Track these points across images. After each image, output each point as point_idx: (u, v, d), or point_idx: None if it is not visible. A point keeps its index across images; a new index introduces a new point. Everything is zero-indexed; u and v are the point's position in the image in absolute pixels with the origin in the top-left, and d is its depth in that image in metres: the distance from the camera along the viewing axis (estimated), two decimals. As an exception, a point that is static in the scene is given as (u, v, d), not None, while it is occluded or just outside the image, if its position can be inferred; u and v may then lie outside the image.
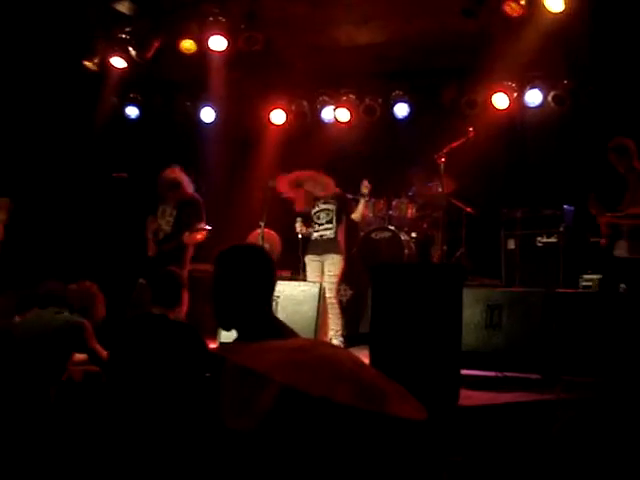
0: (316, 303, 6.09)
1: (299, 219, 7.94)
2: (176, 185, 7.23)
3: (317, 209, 7.90)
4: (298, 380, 1.51)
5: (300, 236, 8.10)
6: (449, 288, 4.76)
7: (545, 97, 9.26)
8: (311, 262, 7.77)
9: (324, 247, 7.70)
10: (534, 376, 5.66)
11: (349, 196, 8.44)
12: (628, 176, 6.71)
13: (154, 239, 7.25)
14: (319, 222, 7.83)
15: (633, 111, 8.48)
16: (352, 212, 7.89)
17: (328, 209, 7.83)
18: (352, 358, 1.73)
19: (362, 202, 7.83)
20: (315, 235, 7.82)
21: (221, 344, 2.43)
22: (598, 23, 7.72)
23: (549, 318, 5.87)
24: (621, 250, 6.56)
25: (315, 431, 1.63)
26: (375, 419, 1.67)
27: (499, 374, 5.74)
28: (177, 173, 7.31)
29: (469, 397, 4.89)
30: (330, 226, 7.75)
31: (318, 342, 1.82)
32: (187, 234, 7.13)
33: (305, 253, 7.90)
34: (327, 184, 7.80)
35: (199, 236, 7.25)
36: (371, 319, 4.92)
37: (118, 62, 8.89)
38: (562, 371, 5.67)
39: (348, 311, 8.10)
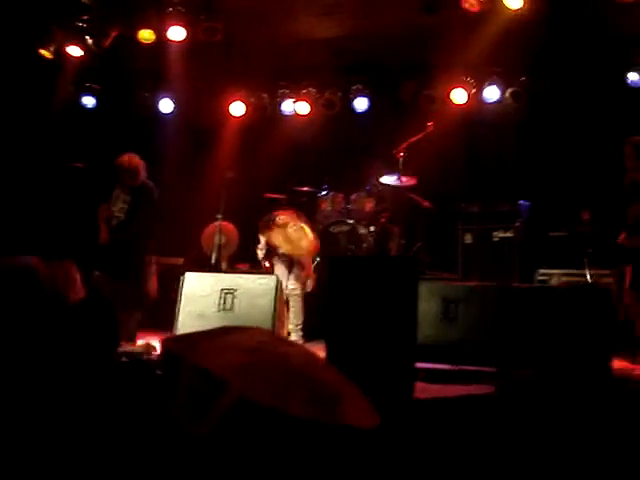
0: (273, 296, 6.07)
1: (260, 246, 7.77)
2: (133, 171, 7.23)
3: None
4: (254, 388, 1.51)
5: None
6: (405, 281, 4.78)
7: (503, 93, 9.35)
8: (280, 261, 7.70)
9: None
10: (489, 369, 5.71)
11: (305, 189, 8.42)
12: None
13: (107, 226, 7.26)
14: None
15: (586, 107, 8.62)
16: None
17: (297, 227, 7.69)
18: (307, 356, 1.73)
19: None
20: None
21: (177, 336, 2.30)
22: (555, 21, 7.80)
23: (504, 312, 5.92)
24: None
25: (267, 440, 1.63)
26: (327, 428, 1.67)
27: (454, 367, 5.79)
28: (135, 159, 7.30)
29: (424, 390, 4.91)
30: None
31: (274, 338, 1.82)
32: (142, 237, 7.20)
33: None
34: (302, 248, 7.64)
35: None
36: (327, 312, 4.93)
37: (75, 51, 8.77)
38: (517, 364, 5.73)
39: (307, 304, 8.10)
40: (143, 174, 7.33)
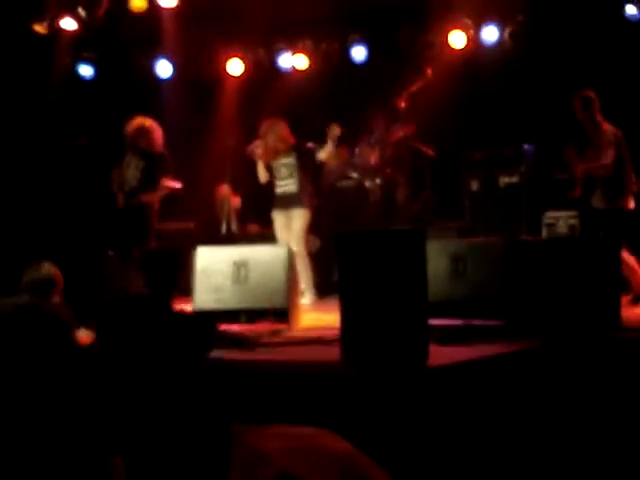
0: (285, 265, 6.17)
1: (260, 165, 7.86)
2: (146, 133, 7.18)
3: (277, 162, 7.85)
4: (295, 467, 1.66)
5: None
6: (412, 251, 4.87)
7: (501, 33, 9.22)
8: (277, 217, 7.85)
9: (288, 201, 7.76)
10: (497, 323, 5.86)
11: (310, 145, 8.45)
12: (589, 128, 7.01)
13: (121, 191, 7.24)
14: (280, 176, 7.83)
15: (585, 44, 8.53)
16: (316, 159, 7.87)
17: (288, 163, 7.80)
18: (348, 449, 1.84)
19: (329, 144, 7.67)
20: (278, 191, 7.84)
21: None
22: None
23: (511, 266, 6.01)
24: (597, 201, 6.92)
25: None
26: None
27: (465, 322, 5.92)
28: (149, 122, 7.27)
29: (437, 353, 5.02)
30: (292, 181, 7.77)
31: (318, 431, 1.95)
32: (145, 194, 7.17)
33: (271, 208, 7.95)
34: (284, 136, 7.76)
35: (160, 193, 7.32)
36: (339, 289, 5.02)
37: (68, 23, 8.73)
38: (525, 317, 5.85)
39: (318, 261, 8.21)
40: (159, 139, 7.27)
